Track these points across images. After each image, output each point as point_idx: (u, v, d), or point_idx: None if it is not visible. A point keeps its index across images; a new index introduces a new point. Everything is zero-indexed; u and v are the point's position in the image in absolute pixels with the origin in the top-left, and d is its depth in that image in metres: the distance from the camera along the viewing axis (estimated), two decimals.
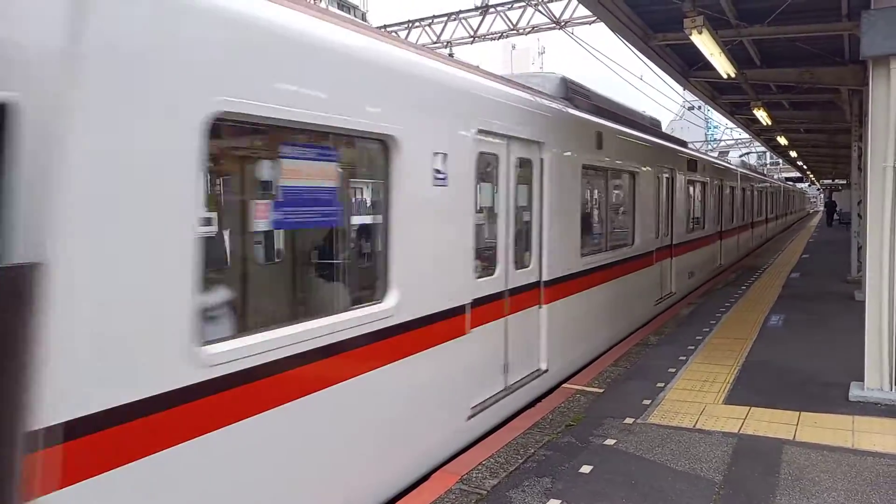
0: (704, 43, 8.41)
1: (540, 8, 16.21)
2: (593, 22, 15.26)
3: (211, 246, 3.40)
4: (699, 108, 42.30)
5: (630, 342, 8.53)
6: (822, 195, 72.00)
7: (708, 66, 11.16)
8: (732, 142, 42.51)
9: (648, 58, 11.50)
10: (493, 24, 17.43)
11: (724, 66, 9.88)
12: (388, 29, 17.07)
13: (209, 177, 3.46)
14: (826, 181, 53.58)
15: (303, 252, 4.77)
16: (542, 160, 6.31)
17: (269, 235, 4.48)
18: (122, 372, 2.56)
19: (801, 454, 4.87)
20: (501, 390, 5.65)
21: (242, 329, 3.50)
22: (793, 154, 30.81)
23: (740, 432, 5.31)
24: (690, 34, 7.90)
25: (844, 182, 43.11)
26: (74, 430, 2.36)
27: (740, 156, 37.13)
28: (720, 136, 45.83)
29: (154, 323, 2.69)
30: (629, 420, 5.62)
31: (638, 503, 4.14)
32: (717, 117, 47.23)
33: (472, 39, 17.41)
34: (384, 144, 4.16)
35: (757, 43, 10.90)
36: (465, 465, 4.72)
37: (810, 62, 11.80)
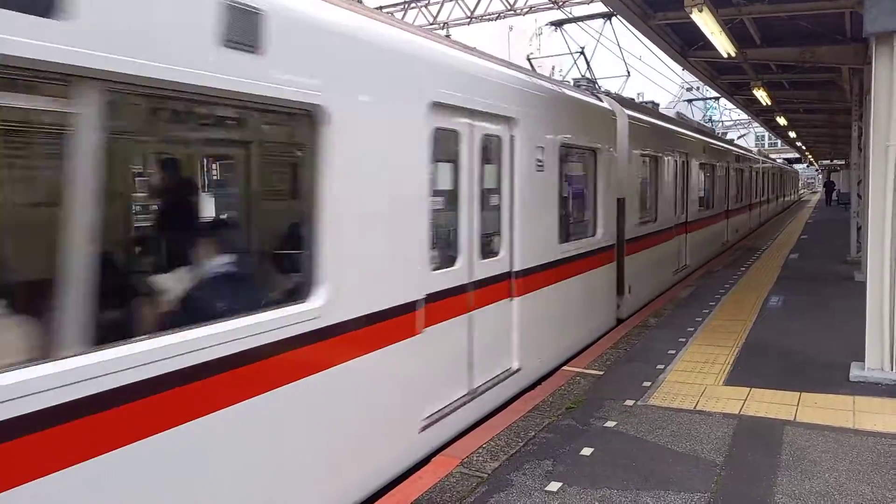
0: (705, 21, 8.31)
1: None
2: (592, 1, 15.09)
3: None
4: (698, 89, 41.98)
5: (645, 313, 8.76)
6: (820, 176, 71.92)
7: (708, 46, 11.05)
8: (731, 123, 42.27)
9: (648, 37, 11.38)
10: (491, 4, 17.24)
11: (724, 46, 9.78)
12: (385, 10, 16.85)
13: None
14: (825, 162, 53.51)
15: None
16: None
17: None
18: None
19: (802, 435, 4.87)
20: None
21: None
22: (792, 134, 30.68)
23: (741, 413, 5.31)
24: (691, 12, 7.80)
25: (843, 163, 43.21)
26: None
27: (738, 136, 36.89)
28: (719, 116, 45.54)
29: None
30: (629, 402, 5.61)
31: (639, 485, 4.14)
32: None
33: (469, 20, 17.22)
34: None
35: (757, 21, 10.76)
36: (465, 448, 4.71)
37: (811, 41, 11.68)
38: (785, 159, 59.55)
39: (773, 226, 26.05)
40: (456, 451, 4.66)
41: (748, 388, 5.87)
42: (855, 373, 6.06)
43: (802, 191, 76.50)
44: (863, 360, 6.10)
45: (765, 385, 5.94)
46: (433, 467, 4.44)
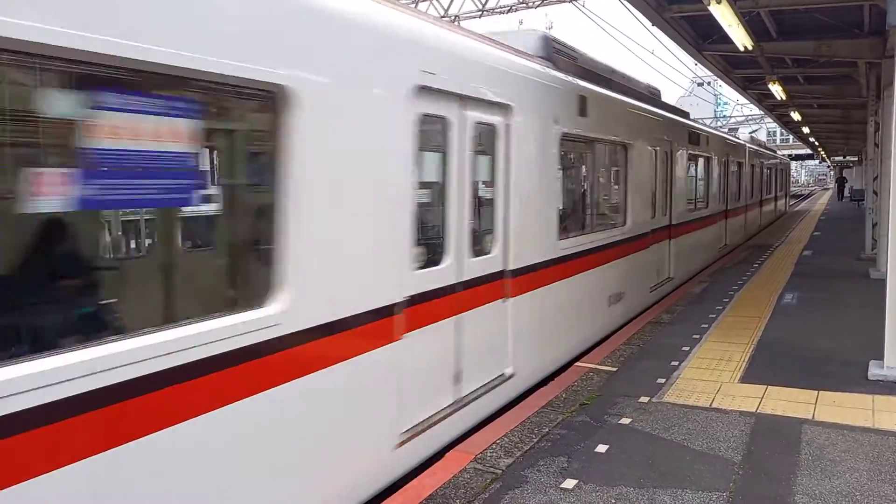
0: (723, 14, 8.18)
1: None
2: None
3: None
4: (709, 83, 41.74)
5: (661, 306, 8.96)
6: (832, 172, 71.36)
7: (722, 40, 10.91)
8: (743, 118, 41.98)
9: (662, 30, 11.25)
10: None
11: (741, 39, 9.65)
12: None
13: None
14: (837, 158, 53.22)
15: None
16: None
17: None
18: None
19: (820, 433, 4.79)
20: None
21: None
22: (805, 130, 30.39)
23: (758, 411, 5.23)
24: (709, 4, 7.68)
25: (856, 159, 43.01)
26: None
27: (751, 132, 36.54)
28: (730, 111, 45.24)
29: None
30: (644, 399, 5.54)
31: (656, 483, 4.08)
32: (727, 93, 46.60)
33: (480, 13, 17.12)
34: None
35: (774, 14, 10.63)
36: (478, 444, 4.66)
37: (827, 34, 11.53)
38: (796, 154, 58.73)
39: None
40: (469, 447, 4.62)
41: (764, 386, 5.79)
42: (874, 371, 5.97)
43: (813, 188, 75.17)
44: (881, 359, 6.00)
45: (781, 383, 5.86)
46: (446, 463, 4.39)
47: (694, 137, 11.58)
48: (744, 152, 17.86)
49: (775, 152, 30.70)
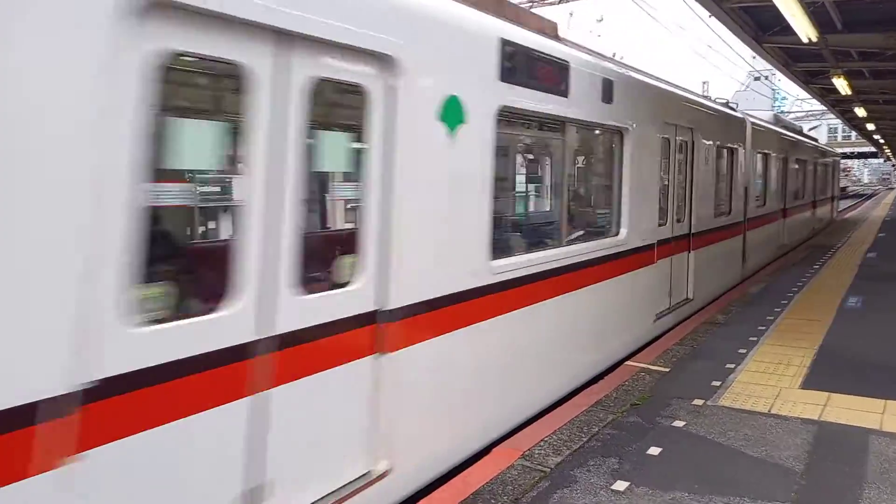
0: (786, 3, 7.86)
1: None
2: None
3: None
4: (766, 77, 40.38)
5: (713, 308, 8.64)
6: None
7: (784, 31, 10.52)
8: (802, 113, 40.48)
9: (720, 21, 10.90)
10: None
11: (805, 30, 9.26)
12: None
13: None
14: None
15: None
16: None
17: None
18: None
19: (889, 445, 4.54)
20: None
21: None
22: (870, 127, 29.10)
23: (820, 419, 5.00)
24: None
25: None
26: None
27: (810, 129, 35.09)
28: (789, 107, 43.67)
29: None
30: (698, 401, 5.36)
31: (712, 489, 3.93)
32: (786, 87, 45.01)
33: (530, 4, 16.93)
34: None
35: (839, 5, 10.15)
36: (527, 441, 4.58)
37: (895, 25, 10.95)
38: (857, 153, 56.19)
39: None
40: (517, 444, 4.54)
41: (827, 393, 5.53)
42: None
43: (877, 188, 71.91)
44: None
45: (846, 390, 5.58)
46: (494, 458, 4.34)
47: (556, 78, 5.00)
48: (742, 133, 10.86)
49: (816, 141, 22.85)
